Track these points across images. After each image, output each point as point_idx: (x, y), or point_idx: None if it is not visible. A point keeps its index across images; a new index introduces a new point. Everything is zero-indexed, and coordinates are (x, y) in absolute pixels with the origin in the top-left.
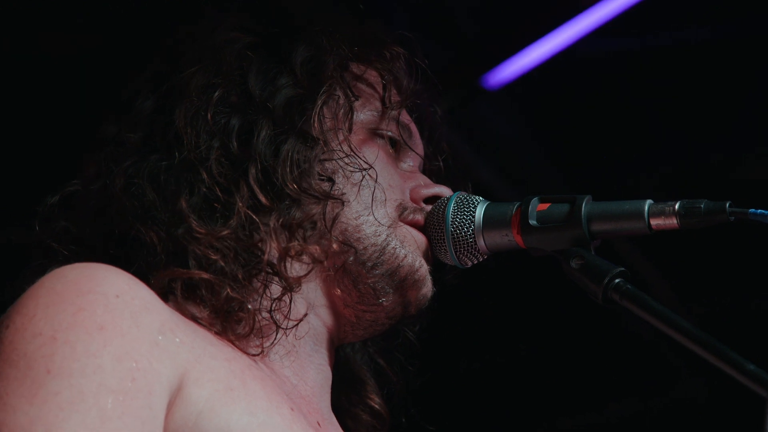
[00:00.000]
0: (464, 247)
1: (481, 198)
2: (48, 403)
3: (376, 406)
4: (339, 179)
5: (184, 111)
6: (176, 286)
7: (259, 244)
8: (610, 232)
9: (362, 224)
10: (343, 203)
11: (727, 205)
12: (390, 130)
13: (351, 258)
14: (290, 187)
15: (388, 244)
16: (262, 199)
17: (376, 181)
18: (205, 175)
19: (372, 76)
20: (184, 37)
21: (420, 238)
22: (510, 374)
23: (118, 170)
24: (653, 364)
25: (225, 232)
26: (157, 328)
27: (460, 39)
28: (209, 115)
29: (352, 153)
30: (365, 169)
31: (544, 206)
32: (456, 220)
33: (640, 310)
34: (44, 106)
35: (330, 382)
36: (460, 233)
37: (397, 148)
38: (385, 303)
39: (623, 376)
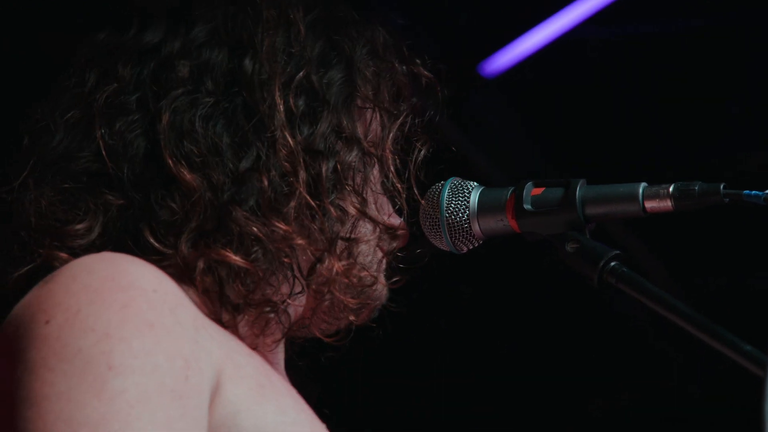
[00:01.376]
0: (459, 232)
1: (475, 183)
2: (117, 400)
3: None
4: (368, 199)
5: (255, 71)
6: (198, 266)
7: (300, 246)
8: (604, 215)
9: (370, 244)
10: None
11: (722, 186)
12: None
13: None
14: (347, 199)
15: (376, 269)
16: (327, 202)
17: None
18: (286, 156)
19: (391, 86)
20: None
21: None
22: (502, 367)
23: (167, 99)
24: (648, 353)
25: (285, 227)
26: (192, 324)
27: (454, 28)
28: (291, 92)
29: (393, 178)
30: (395, 195)
31: (539, 191)
32: (450, 206)
33: (636, 292)
34: None
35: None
36: (455, 219)
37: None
38: (344, 320)
39: (618, 366)
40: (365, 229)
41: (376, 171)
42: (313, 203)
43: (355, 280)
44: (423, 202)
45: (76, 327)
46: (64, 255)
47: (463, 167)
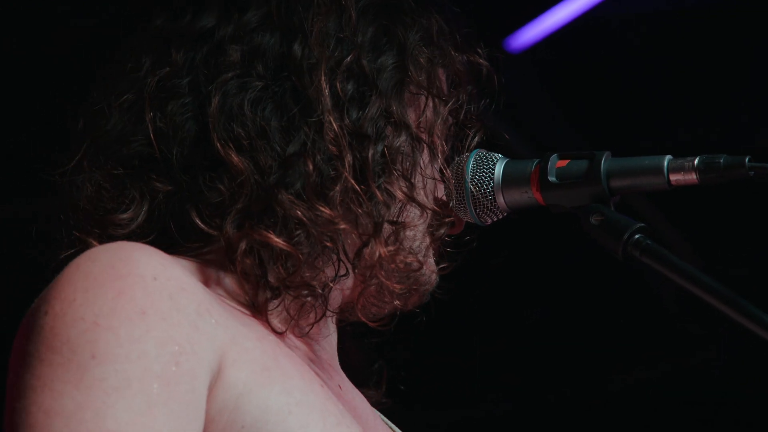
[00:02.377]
0: (484, 204)
1: (500, 155)
2: (94, 389)
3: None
4: (417, 184)
5: (305, 56)
6: (240, 248)
7: (345, 231)
8: (629, 188)
9: (417, 229)
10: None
11: (747, 159)
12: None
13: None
14: (395, 184)
15: (425, 255)
16: (373, 186)
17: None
18: (332, 140)
19: (441, 72)
20: None
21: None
22: (525, 339)
23: (217, 82)
24: (672, 329)
25: (333, 211)
26: (195, 309)
27: (482, 2)
28: (338, 76)
29: (442, 163)
30: (444, 182)
31: (563, 163)
32: (475, 178)
33: (660, 265)
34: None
35: (336, 351)
36: (480, 191)
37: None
38: (396, 303)
39: (641, 342)
40: (413, 214)
41: (426, 157)
42: (358, 188)
43: (402, 265)
44: (447, 172)
45: (68, 317)
46: (95, 242)
47: (487, 139)
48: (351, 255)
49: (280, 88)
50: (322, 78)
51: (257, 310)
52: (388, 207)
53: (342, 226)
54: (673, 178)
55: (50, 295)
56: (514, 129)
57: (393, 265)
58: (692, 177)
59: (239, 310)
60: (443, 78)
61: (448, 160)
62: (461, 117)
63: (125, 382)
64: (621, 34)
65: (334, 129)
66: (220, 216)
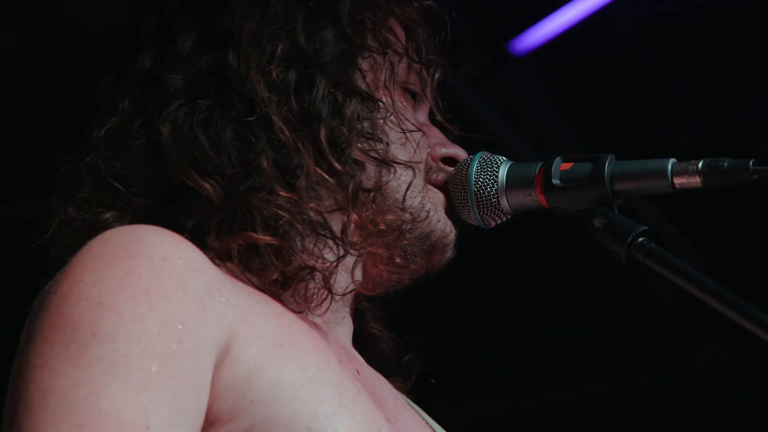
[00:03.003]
0: (487, 207)
1: (504, 158)
2: (92, 368)
3: (378, 332)
4: (389, 141)
5: (241, 61)
6: (234, 248)
7: (325, 209)
8: (633, 191)
9: (401, 185)
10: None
11: (751, 163)
12: (414, 83)
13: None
14: (357, 151)
15: (423, 207)
16: (334, 162)
17: (418, 142)
18: (277, 132)
19: (395, 24)
20: None
21: (443, 200)
22: (531, 339)
23: (164, 114)
24: (676, 328)
25: (304, 199)
26: (204, 289)
27: (486, 5)
28: (273, 70)
29: (401, 114)
30: (413, 131)
31: (567, 166)
32: (479, 180)
33: (664, 269)
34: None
35: (351, 335)
36: (483, 193)
37: (415, 99)
38: (412, 266)
39: (646, 342)
40: (394, 172)
41: (388, 112)
42: (318, 169)
43: (383, 225)
44: (450, 176)
45: (74, 296)
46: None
47: (491, 143)
48: (338, 232)
49: (227, 101)
50: (254, 76)
51: (273, 293)
52: (356, 175)
53: (311, 206)
54: (677, 181)
55: (62, 276)
56: (518, 132)
57: (376, 228)
58: (696, 180)
59: (258, 289)
60: (399, 29)
61: (438, 103)
62: (423, 59)
63: (123, 360)
64: (625, 38)
65: (279, 120)
66: (203, 236)
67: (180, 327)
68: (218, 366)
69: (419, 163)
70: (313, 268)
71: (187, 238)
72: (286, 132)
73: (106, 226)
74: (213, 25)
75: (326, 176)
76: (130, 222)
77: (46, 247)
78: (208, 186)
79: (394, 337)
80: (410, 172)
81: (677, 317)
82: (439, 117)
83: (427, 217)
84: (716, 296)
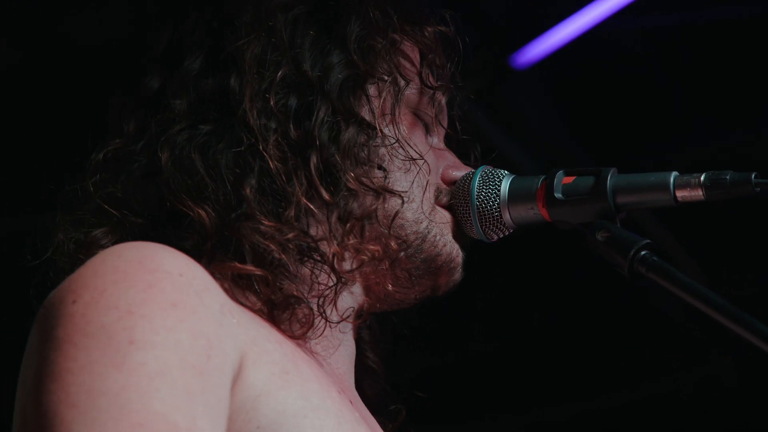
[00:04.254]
0: (490, 221)
1: (506, 172)
2: (137, 372)
3: (373, 365)
4: (391, 168)
5: (242, 86)
6: (227, 276)
7: (316, 238)
8: (635, 204)
9: (406, 210)
10: (403, 200)
11: (753, 176)
12: (428, 110)
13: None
14: (350, 180)
15: (429, 232)
16: (323, 192)
17: (420, 168)
18: (268, 160)
19: (408, 49)
20: None
21: (450, 220)
22: (533, 353)
23: (164, 138)
24: (679, 342)
25: (288, 228)
26: (218, 308)
27: (487, 19)
28: (270, 96)
29: (405, 141)
30: (416, 159)
31: (570, 179)
32: (481, 195)
33: (666, 282)
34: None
35: (354, 358)
36: (486, 207)
37: (428, 124)
38: (417, 287)
39: (649, 355)
40: (398, 198)
41: (389, 139)
42: (305, 200)
43: (368, 255)
44: (453, 188)
45: (101, 305)
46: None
47: (494, 156)
48: (330, 261)
49: (226, 127)
50: (247, 103)
51: (271, 319)
52: (345, 204)
53: (295, 235)
54: (679, 194)
55: (75, 286)
56: (520, 145)
57: (363, 257)
58: (698, 193)
59: (259, 315)
60: (413, 52)
61: (455, 126)
62: (433, 84)
63: (165, 368)
64: (627, 51)
65: (271, 148)
66: (197, 258)
67: (206, 342)
68: (233, 387)
69: (422, 188)
70: (299, 298)
71: None
72: (276, 161)
73: (99, 245)
74: (219, 48)
75: (312, 207)
76: (123, 240)
77: (44, 263)
78: (202, 212)
79: (381, 380)
80: (414, 199)
81: (680, 330)
82: (452, 135)
83: (434, 241)
84: (719, 309)
